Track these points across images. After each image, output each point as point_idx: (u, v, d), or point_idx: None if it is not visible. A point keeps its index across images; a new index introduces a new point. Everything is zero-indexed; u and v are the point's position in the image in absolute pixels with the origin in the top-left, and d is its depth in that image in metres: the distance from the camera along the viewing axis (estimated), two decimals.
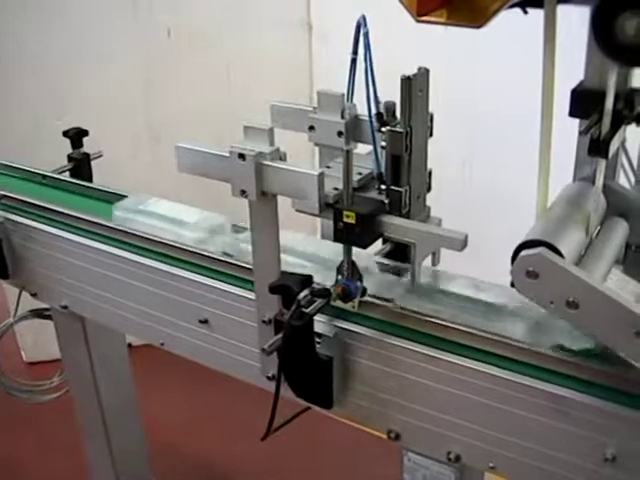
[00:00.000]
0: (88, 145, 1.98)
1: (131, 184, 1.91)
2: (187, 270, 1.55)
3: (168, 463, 2.64)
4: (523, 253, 1.07)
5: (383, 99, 1.28)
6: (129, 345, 2.18)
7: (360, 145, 1.32)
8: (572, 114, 1.22)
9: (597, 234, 1.24)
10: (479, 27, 1.03)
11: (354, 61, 1.22)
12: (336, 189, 1.25)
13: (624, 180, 1.33)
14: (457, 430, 1.30)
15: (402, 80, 1.20)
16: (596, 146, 1.11)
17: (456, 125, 2.57)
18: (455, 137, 2.58)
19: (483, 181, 2.86)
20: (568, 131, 1.26)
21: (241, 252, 1.52)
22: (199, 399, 3.17)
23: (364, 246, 1.23)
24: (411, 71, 1.25)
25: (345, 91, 1.26)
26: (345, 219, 1.21)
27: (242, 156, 1.23)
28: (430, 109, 1.31)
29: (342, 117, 1.23)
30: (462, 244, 1.16)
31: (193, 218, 1.69)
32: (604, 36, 0.96)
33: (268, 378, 1.40)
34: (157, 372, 2.82)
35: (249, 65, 3.24)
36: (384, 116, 1.24)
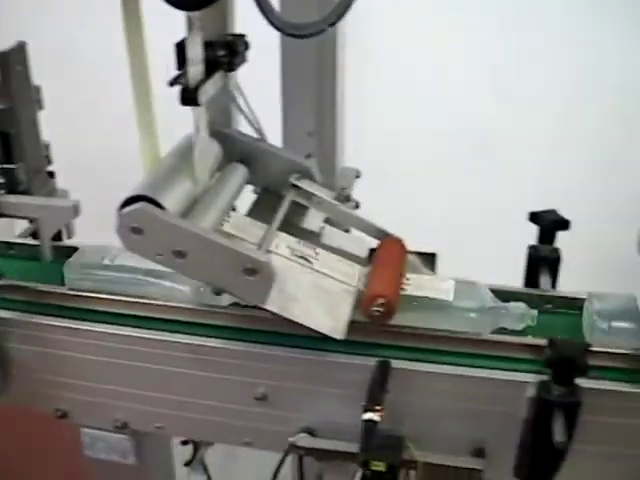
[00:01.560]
0: None
1: None
2: None
3: None
4: (124, 210, 1.06)
5: None
6: None
7: None
8: (178, 67, 1.21)
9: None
10: None
11: None
12: None
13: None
14: (118, 397, 1.30)
15: None
16: (184, 95, 1.11)
17: None
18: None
19: None
20: None
21: None
22: None
23: None
24: None
25: None
26: None
27: None
28: None
29: None
30: (73, 212, 1.14)
31: None
32: None
33: None
34: None
35: None
36: None
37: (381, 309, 1.11)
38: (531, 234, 1.36)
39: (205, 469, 1.57)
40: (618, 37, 2.24)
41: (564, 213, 1.36)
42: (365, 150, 2.04)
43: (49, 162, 1.29)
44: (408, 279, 1.23)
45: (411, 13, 2.31)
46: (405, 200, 2.34)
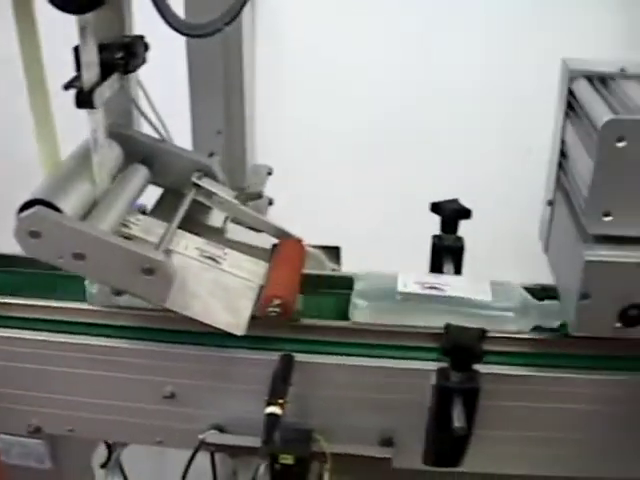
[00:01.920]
0: None
1: None
2: None
3: None
4: (21, 215, 1.06)
5: None
6: None
7: None
8: (76, 70, 1.21)
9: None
10: None
11: None
12: None
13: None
14: (30, 402, 1.30)
15: None
16: (79, 99, 1.11)
17: None
18: None
19: None
20: None
21: None
22: None
23: None
24: None
25: None
26: None
27: None
28: None
29: None
30: None
31: None
32: None
33: None
34: None
35: None
36: None
37: (277, 310, 1.13)
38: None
39: (122, 470, 1.57)
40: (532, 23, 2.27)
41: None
42: (279, 146, 2.05)
43: None
44: (443, 281, 1.26)
45: (326, 7, 2.31)
46: (318, 194, 2.35)
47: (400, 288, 1.23)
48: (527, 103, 2.15)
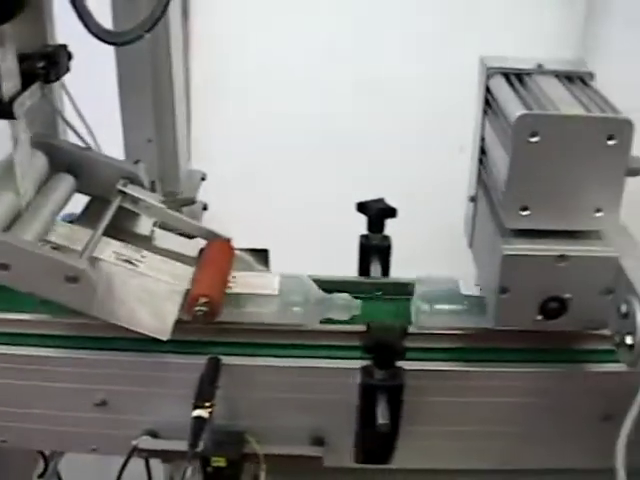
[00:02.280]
0: None
1: None
2: None
3: None
4: None
5: None
6: None
7: None
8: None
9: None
10: None
11: None
12: None
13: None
14: None
15: None
16: None
17: None
18: None
19: None
20: None
21: None
22: None
23: None
24: None
25: None
26: None
27: None
28: None
29: None
30: None
31: None
32: None
33: None
34: None
35: None
36: None
37: (204, 308, 1.13)
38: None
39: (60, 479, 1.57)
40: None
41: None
42: (212, 151, 2.06)
43: None
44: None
45: (263, 7, 2.32)
46: (248, 197, 2.36)
47: (463, 291, 1.24)
48: (459, 102, 2.16)
